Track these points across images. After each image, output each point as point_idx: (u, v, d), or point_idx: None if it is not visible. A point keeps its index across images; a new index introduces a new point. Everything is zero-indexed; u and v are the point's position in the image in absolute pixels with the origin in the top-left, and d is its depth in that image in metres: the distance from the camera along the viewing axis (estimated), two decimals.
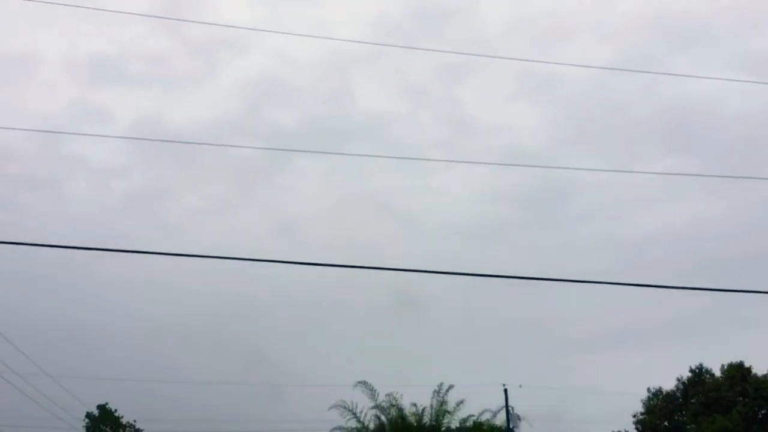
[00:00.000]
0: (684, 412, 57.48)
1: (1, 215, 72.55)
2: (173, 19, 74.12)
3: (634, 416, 59.73)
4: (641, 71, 77.61)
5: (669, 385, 58.97)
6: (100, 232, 71.85)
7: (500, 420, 37.36)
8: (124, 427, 54.79)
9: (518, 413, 44.83)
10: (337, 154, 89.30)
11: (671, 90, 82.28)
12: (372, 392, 31.88)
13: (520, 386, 45.18)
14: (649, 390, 59.43)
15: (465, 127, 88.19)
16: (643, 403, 59.43)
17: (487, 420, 33.04)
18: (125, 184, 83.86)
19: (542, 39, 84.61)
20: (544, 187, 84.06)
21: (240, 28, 76.12)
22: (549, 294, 64.19)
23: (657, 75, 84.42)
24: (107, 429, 53.96)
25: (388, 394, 32.00)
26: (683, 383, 58.05)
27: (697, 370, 57.85)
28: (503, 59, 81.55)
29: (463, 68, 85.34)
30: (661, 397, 58.97)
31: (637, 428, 59.88)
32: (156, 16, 68.80)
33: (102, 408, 54.05)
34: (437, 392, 32.22)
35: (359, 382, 31.92)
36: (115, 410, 54.61)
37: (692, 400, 56.67)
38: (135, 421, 55.24)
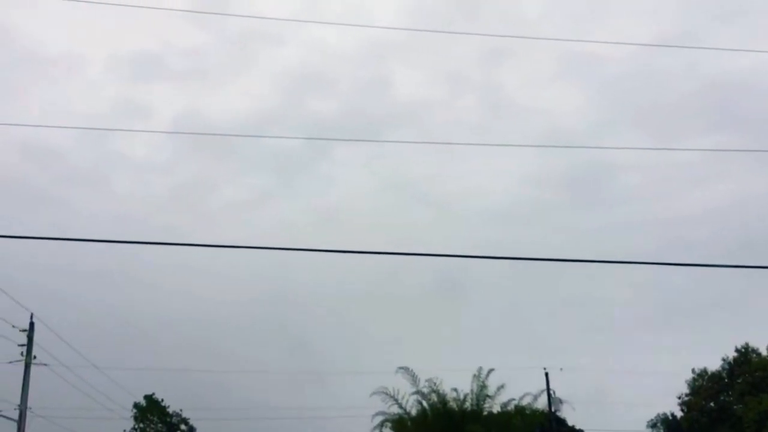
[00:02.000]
0: (730, 393, 56.71)
1: (49, 212, 74.20)
2: (211, 13, 74.60)
3: (680, 397, 59.18)
4: (683, 47, 76.07)
5: (714, 365, 58.26)
6: (145, 225, 73.09)
7: (542, 404, 37.24)
8: (170, 416, 55.74)
9: (560, 396, 44.69)
10: (375, 141, 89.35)
11: (714, 67, 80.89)
12: (413, 378, 31.91)
13: (561, 370, 44.98)
14: (694, 371, 58.77)
15: (505, 111, 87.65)
16: (689, 384, 58.78)
17: (529, 404, 32.88)
18: (168, 177, 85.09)
19: (582, 20, 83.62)
20: (586, 168, 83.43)
21: (277, 19, 76.19)
22: (592, 276, 63.80)
23: (699, 51, 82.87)
24: (154, 418, 54.94)
25: (428, 380, 32.03)
26: (729, 363, 57.22)
27: (743, 350, 56.95)
28: (542, 41, 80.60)
29: (502, 52, 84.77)
30: (706, 377, 58.23)
31: (682, 410, 59.30)
32: (194, 11, 69.27)
33: (149, 398, 55.04)
34: (477, 376, 32.15)
35: (400, 368, 31.96)
36: (162, 400, 55.60)
37: (738, 380, 55.86)
38: (181, 410, 56.22)
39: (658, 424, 62.97)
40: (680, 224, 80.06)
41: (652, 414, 62.92)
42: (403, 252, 19.19)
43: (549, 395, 43.81)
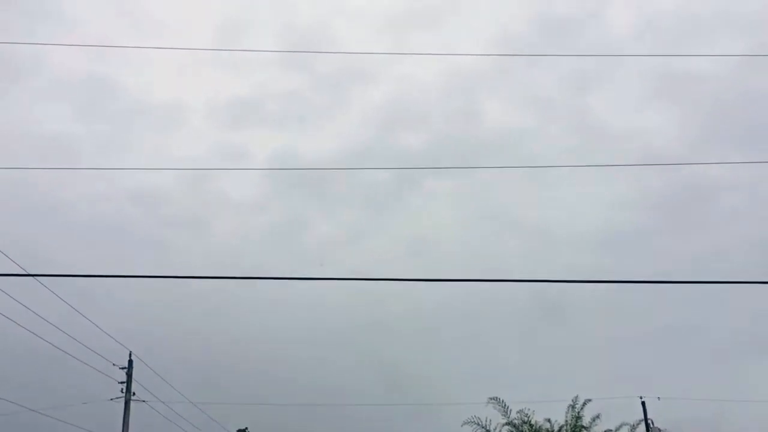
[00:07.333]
0: None
1: (153, 252, 76.90)
2: (303, 52, 76.34)
3: None
4: None
5: None
6: (243, 263, 74.69)
7: None
8: None
9: (659, 426, 43.09)
10: (462, 167, 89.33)
11: None
12: (504, 408, 31.47)
13: (659, 398, 43.38)
14: None
15: (596, 135, 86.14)
16: None
17: None
18: (264, 217, 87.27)
19: (672, 39, 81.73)
20: (684, 190, 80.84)
21: (365, 53, 77.08)
22: (692, 300, 61.33)
23: None
24: None
25: (519, 411, 31.51)
26: None
27: None
28: (633, 59, 78.84)
29: (591, 75, 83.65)
30: None
31: None
32: (286, 51, 70.75)
33: (242, 431, 55.88)
34: (572, 407, 31.46)
35: (491, 399, 31.58)
36: None
37: None
38: None
39: None
40: None
41: None
42: (493, 279, 18.87)
43: (647, 425, 42.29)
